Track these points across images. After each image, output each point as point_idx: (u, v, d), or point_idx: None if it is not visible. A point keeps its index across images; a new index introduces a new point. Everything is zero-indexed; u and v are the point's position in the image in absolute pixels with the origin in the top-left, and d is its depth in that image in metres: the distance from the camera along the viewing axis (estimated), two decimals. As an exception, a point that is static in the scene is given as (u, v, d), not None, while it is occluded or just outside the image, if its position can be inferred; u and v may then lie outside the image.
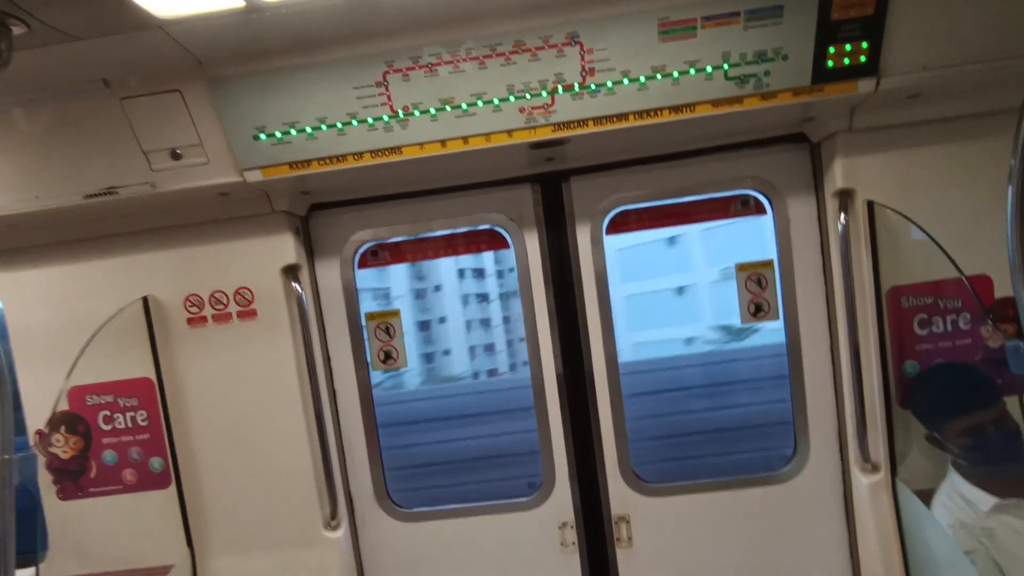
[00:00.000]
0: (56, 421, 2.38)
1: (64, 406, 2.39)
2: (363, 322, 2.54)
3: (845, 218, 2.14)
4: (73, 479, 2.41)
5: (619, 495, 2.48)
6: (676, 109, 1.92)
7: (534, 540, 2.52)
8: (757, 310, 2.41)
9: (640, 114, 1.93)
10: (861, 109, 2.04)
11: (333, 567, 2.41)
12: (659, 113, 1.93)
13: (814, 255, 2.34)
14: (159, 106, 1.94)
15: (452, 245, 2.54)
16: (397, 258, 2.55)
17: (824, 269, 2.34)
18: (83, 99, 1.93)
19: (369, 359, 2.55)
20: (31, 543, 2.30)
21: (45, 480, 2.40)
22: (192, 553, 2.42)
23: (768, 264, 2.39)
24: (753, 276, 2.39)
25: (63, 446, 2.40)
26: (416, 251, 2.55)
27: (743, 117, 1.99)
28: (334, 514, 2.41)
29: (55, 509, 2.40)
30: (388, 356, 2.55)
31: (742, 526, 2.46)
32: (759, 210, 2.41)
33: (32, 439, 2.37)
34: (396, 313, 2.55)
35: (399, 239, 2.52)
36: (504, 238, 2.48)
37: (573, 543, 2.51)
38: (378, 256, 2.53)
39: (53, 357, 2.32)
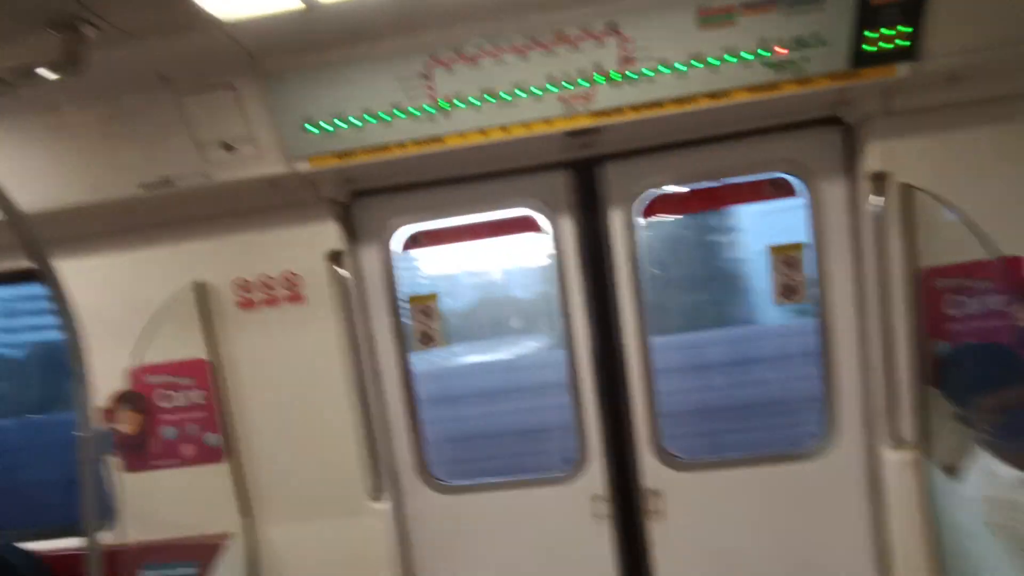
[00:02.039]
0: (119, 399, 2.53)
1: (125, 385, 2.54)
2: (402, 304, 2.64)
3: (879, 201, 2.17)
4: (136, 452, 2.57)
5: (651, 470, 2.57)
6: (713, 96, 1.95)
7: (568, 513, 2.63)
8: (789, 292, 2.45)
9: (677, 101, 1.97)
10: (899, 92, 2.05)
11: (378, 536, 2.55)
12: (696, 100, 1.96)
13: (846, 237, 2.37)
14: (213, 100, 2.02)
15: (489, 230, 2.61)
16: (435, 242, 2.63)
17: (856, 251, 2.36)
18: (142, 95, 2.02)
19: (409, 340, 2.65)
20: (105, 510, 2.47)
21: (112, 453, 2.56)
22: (247, 522, 2.58)
23: (799, 247, 2.43)
24: (785, 258, 2.43)
25: (126, 422, 2.55)
26: (454, 236, 2.63)
27: (778, 101, 2.01)
28: (379, 487, 2.54)
29: (122, 480, 2.56)
30: (428, 337, 2.65)
31: (771, 501, 2.54)
32: (791, 193, 2.44)
33: (97, 416, 2.52)
34: (434, 296, 2.64)
35: (437, 225, 2.60)
36: (539, 223, 2.54)
37: (606, 516, 2.61)
38: (418, 241, 2.62)
39: (112, 339, 2.45)
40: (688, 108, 1.97)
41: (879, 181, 2.17)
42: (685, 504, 2.57)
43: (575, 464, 2.61)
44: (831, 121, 2.31)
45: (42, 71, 1.55)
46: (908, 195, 2.15)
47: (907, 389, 2.23)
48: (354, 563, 2.55)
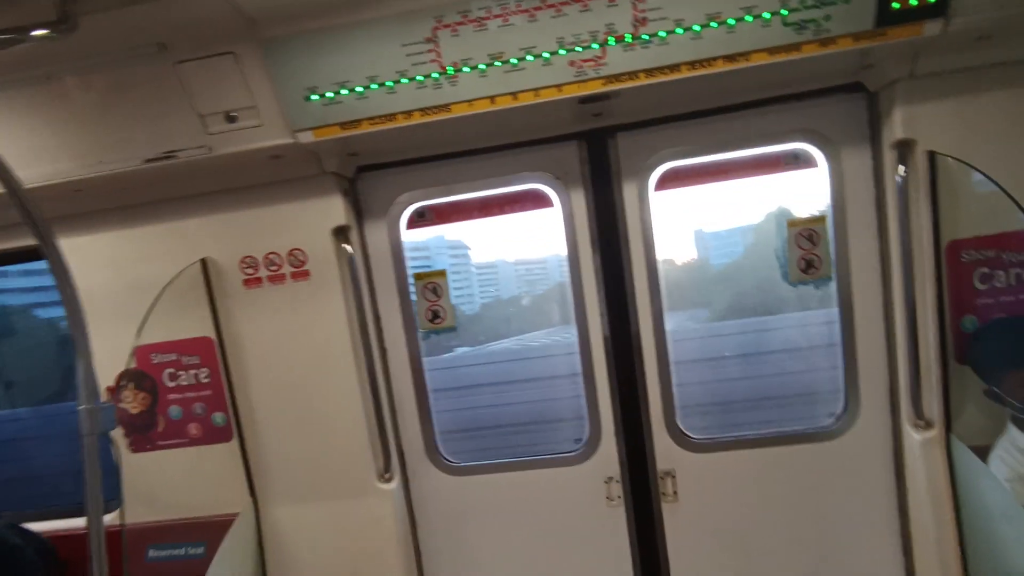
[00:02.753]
0: (124, 378, 2.51)
1: (131, 364, 2.51)
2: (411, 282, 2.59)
3: (904, 170, 2.08)
4: (143, 432, 2.55)
5: (665, 450, 2.51)
6: (731, 58, 1.87)
7: (580, 494, 2.58)
8: (808, 266, 2.37)
9: (693, 64, 1.89)
10: (925, 53, 1.96)
11: (387, 517, 2.51)
12: (713, 63, 1.88)
13: (868, 209, 2.28)
14: (214, 69, 1.97)
15: (498, 205, 2.54)
16: (443, 219, 2.57)
17: (879, 223, 2.28)
18: (140, 64, 1.97)
19: (417, 319, 2.61)
20: (112, 491, 2.45)
21: (117, 433, 2.54)
22: (255, 502, 2.55)
23: (820, 220, 2.35)
24: (804, 232, 2.35)
25: (132, 402, 2.53)
26: (461, 212, 2.56)
27: (798, 66, 1.93)
28: (387, 467, 2.50)
29: (127, 461, 2.54)
30: (436, 315, 2.60)
31: (789, 482, 2.47)
32: (811, 164, 2.35)
33: (103, 395, 2.50)
34: (443, 273, 2.59)
35: (444, 200, 2.54)
36: (549, 197, 2.47)
37: (619, 497, 2.56)
38: (425, 217, 2.56)
39: (116, 318, 2.43)
40: (704, 71, 1.89)
41: (904, 149, 2.09)
42: (700, 485, 2.50)
43: (587, 445, 2.55)
44: (852, 88, 2.22)
45: (36, 31, 1.51)
46: (934, 163, 2.06)
47: (932, 365, 2.15)
48: (362, 544, 2.52)
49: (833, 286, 2.38)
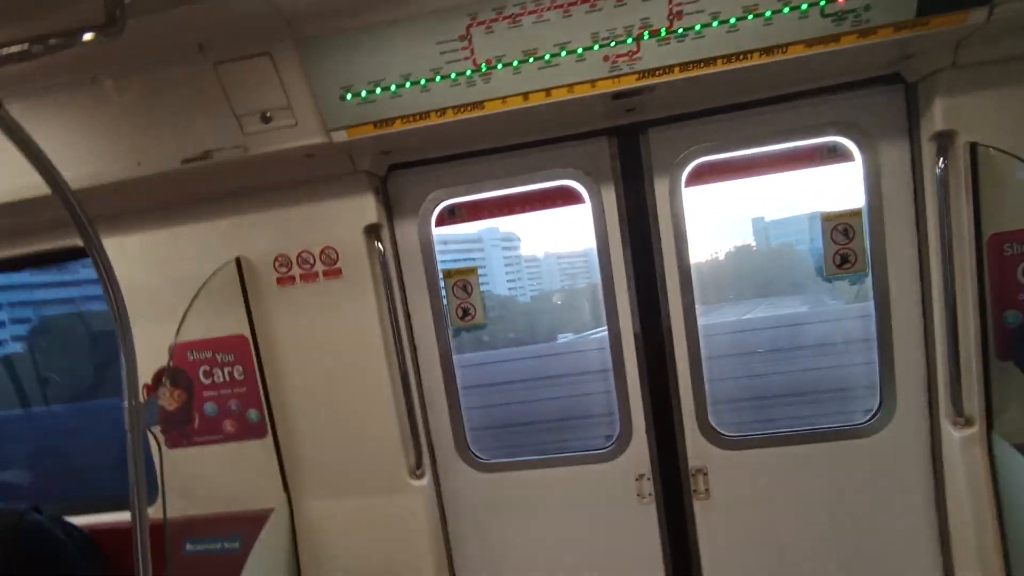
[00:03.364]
0: (162, 375, 2.55)
1: (168, 362, 2.55)
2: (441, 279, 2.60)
3: (944, 162, 2.04)
4: (179, 428, 2.59)
5: (696, 448, 2.49)
6: (767, 51, 1.85)
7: (611, 491, 2.58)
8: (843, 261, 2.34)
9: (729, 58, 1.87)
10: (967, 43, 1.92)
11: (419, 513, 2.53)
12: (749, 56, 1.86)
13: (906, 203, 2.24)
14: (250, 69, 1.99)
15: (528, 202, 2.54)
16: (473, 216, 2.58)
17: (916, 217, 2.24)
18: (179, 66, 2.00)
19: (447, 316, 2.62)
20: (150, 486, 2.50)
21: (154, 429, 2.58)
22: (289, 497, 2.58)
23: (856, 213, 2.31)
24: (840, 226, 2.32)
25: (169, 399, 2.58)
26: (492, 209, 2.57)
27: (835, 58, 1.90)
28: (419, 464, 2.52)
29: (165, 456, 2.59)
30: (466, 313, 2.61)
31: (823, 481, 2.44)
32: (847, 157, 2.32)
33: (141, 392, 2.55)
34: (474, 271, 2.59)
35: (474, 197, 2.54)
36: (579, 194, 2.47)
37: (650, 495, 2.55)
38: (455, 215, 2.57)
39: (153, 315, 2.47)
40: (741, 65, 1.86)
41: (944, 141, 2.05)
42: (732, 483, 2.49)
43: (618, 442, 2.55)
44: (890, 79, 2.18)
45: (85, 35, 1.53)
46: (975, 155, 2.02)
47: (973, 362, 2.11)
48: (394, 539, 2.54)
49: (869, 281, 2.34)
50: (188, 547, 2.55)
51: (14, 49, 1.49)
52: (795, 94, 2.25)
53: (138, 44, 1.88)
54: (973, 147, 2.01)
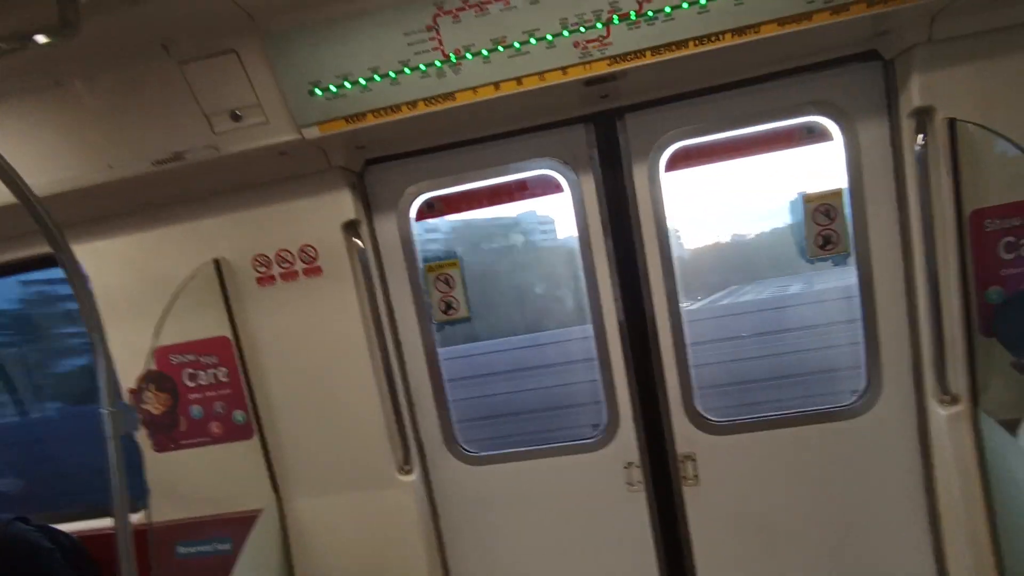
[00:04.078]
0: (145, 379, 2.54)
1: (151, 365, 2.54)
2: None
3: (923, 139, 2.02)
4: (165, 432, 2.58)
5: (684, 434, 2.48)
6: (739, 32, 1.82)
7: (600, 480, 2.57)
8: (825, 243, 2.32)
9: (700, 40, 1.84)
10: (942, 16, 1.89)
11: (409, 508, 2.52)
12: (721, 37, 1.83)
13: (887, 181, 2.23)
14: (217, 68, 1.96)
15: (507, 193, 2.52)
16: (452, 209, 2.55)
17: (898, 195, 2.22)
18: (144, 65, 1.98)
19: (430, 310, 2.60)
20: (138, 491, 2.49)
21: (141, 434, 2.58)
22: (278, 497, 2.58)
23: (837, 194, 2.29)
24: (821, 207, 2.30)
25: (154, 403, 2.56)
26: (471, 201, 2.54)
27: (809, 36, 1.87)
28: (407, 459, 2.51)
29: (152, 460, 2.58)
30: (449, 307, 2.59)
31: (811, 463, 2.44)
32: (825, 137, 2.29)
33: (126, 397, 2.54)
34: (455, 263, 2.58)
35: (453, 190, 2.52)
36: (559, 183, 2.44)
37: (639, 482, 2.55)
38: (434, 208, 2.55)
39: (133, 320, 2.45)
40: (713, 46, 1.84)
41: (922, 117, 2.03)
42: (721, 468, 2.48)
43: (605, 431, 2.54)
44: (867, 56, 2.15)
45: (38, 37, 1.51)
46: (954, 131, 2.00)
47: (957, 339, 2.10)
48: (385, 535, 2.54)
49: (852, 261, 2.33)
50: (180, 550, 2.55)
51: None
52: (772, 74, 2.22)
53: (100, 45, 1.86)
54: (952, 123, 1.99)
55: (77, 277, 1.74)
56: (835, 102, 2.21)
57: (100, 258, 2.48)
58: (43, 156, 2.14)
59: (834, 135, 2.26)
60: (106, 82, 2.02)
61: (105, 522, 2.73)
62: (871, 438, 2.38)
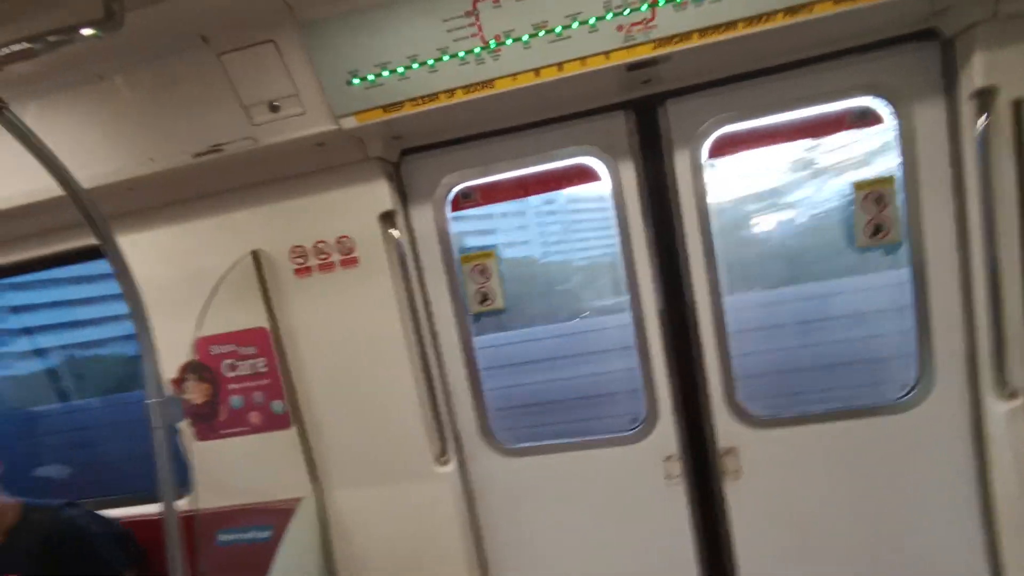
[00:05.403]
0: (186, 370, 2.57)
1: (191, 356, 2.57)
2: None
3: (985, 121, 1.92)
4: (206, 421, 2.61)
5: (726, 427, 2.43)
6: (791, 11, 1.75)
7: (638, 473, 2.54)
8: (876, 231, 2.24)
9: (750, 21, 1.77)
10: None
11: (446, 499, 2.52)
12: (772, 18, 1.76)
13: (943, 166, 2.13)
14: (255, 58, 1.95)
15: (543, 182, 2.47)
16: (488, 199, 2.52)
17: (955, 181, 2.12)
18: (184, 58, 1.98)
19: (466, 301, 2.58)
20: (182, 479, 2.54)
21: (183, 423, 2.62)
22: (316, 487, 2.60)
23: (888, 181, 2.20)
24: (872, 194, 2.21)
25: (195, 393, 2.60)
26: (507, 190, 2.51)
27: (865, 15, 1.79)
28: (444, 450, 2.50)
29: (194, 449, 2.62)
30: (485, 297, 2.57)
31: (859, 459, 2.36)
32: (877, 121, 2.20)
33: (168, 387, 2.58)
34: (491, 254, 2.55)
35: (489, 179, 2.49)
36: (596, 171, 2.39)
37: (679, 476, 2.50)
38: (469, 198, 2.52)
39: (174, 311, 2.48)
40: (763, 27, 1.77)
41: (984, 99, 1.93)
42: (764, 463, 2.43)
43: (644, 423, 2.50)
44: (926, 35, 2.05)
45: (84, 30, 1.51)
46: (1019, 113, 1.90)
47: (1018, 331, 2.01)
48: (423, 525, 2.55)
49: (904, 250, 2.24)
50: (220, 537, 2.59)
51: (15, 48, 1.48)
52: (822, 56, 2.13)
53: (141, 38, 1.86)
54: (1017, 104, 1.89)
55: (123, 271, 1.76)
56: (889, 84, 2.12)
57: (139, 250, 2.51)
58: (86, 150, 2.16)
59: (886, 118, 2.17)
60: (146, 75, 2.03)
61: (146, 508, 2.79)
62: (922, 433, 2.30)
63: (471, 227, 2.64)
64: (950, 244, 2.17)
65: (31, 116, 1.50)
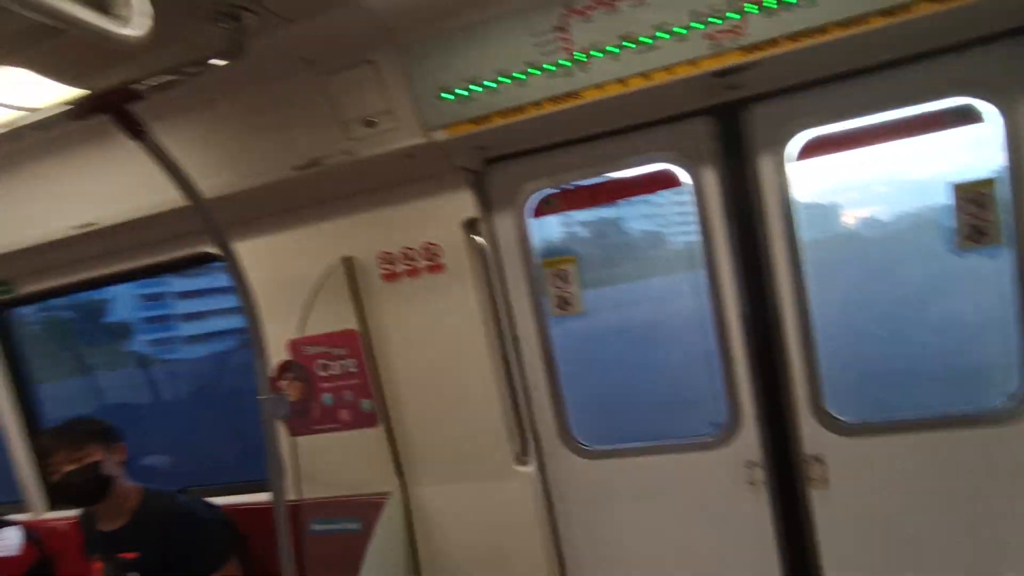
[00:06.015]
0: (283, 369, 2.75)
1: (286, 356, 2.75)
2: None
3: None
4: (300, 417, 2.78)
5: (812, 434, 2.39)
6: (888, 12, 1.71)
7: (720, 479, 2.52)
8: (975, 233, 2.15)
9: (844, 24, 1.75)
10: None
11: (526, 499, 2.59)
12: (867, 21, 1.73)
13: None
14: (355, 78, 2.08)
15: (625, 188, 2.51)
16: (570, 205, 2.57)
17: None
18: (289, 80, 2.13)
19: (546, 305, 2.64)
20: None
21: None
22: (402, 483, 2.72)
23: (989, 183, 2.11)
24: (972, 196, 2.13)
25: (291, 391, 2.77)
26: (588, 197, 2.55)
27: (965, 12, 1.73)
28: (524, 451, 2.57)
29: (288, 444, 2.79)
30: (565, 302, 2.62)
31: (956, 471, 2.26)
32: (977, 119, 2.12)
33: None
34: (572, 260, 2.60)
35: (570, 186, 2.54)
36: (678, 177, 2.40)
37: (762, 483, 2.48)
38: (550, 204, 2.58)
39: (271, 314, 2.65)
40: (858, 30, 1.74)
41: None
42: (852, 472, 2.36)
43: (726, 428, 2.49)
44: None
45: (214, 60, 1.66)
46: None
47: None
48: (502, 524, 2.62)
49: (1006, 253, 2.14)
50: (313, 527, 2.75)
51: (156, 81, 1.64)
52: (917, 55, 2.07)
53: (252, 63, 2.02)
54: None
55: (239, 276, 1.91)
56: (991, 81, 2.03)
57: (245, 256, 2.70)
58: (200, 165, 2.35)
59: (987, 118, 2.08)
60: (256, 96, 2.20)
61: (243, 498, 2.99)
62: None
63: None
64: None
65: (155, 134, 1.67)
